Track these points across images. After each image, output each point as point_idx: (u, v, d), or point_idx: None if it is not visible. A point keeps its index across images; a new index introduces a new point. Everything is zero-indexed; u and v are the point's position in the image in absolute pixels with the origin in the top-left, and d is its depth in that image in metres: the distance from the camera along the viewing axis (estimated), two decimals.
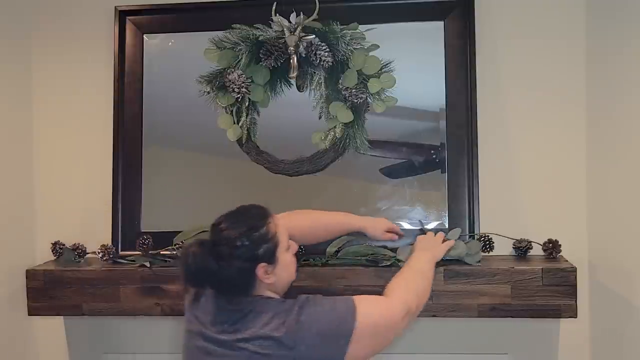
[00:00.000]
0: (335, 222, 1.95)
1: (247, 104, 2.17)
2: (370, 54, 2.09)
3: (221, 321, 1.54)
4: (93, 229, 2.25)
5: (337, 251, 2.04)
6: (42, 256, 2.28)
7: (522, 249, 2.09)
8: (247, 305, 1.54)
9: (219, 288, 1.56)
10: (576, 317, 1.94)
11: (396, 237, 2.01)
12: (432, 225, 2.12)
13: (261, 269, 1.53)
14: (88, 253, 2.19)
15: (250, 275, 1.53)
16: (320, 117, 2.17)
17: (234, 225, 1.53)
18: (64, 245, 2.18)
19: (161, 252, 2.12)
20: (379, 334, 1.54)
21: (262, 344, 1.47)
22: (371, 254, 2.00)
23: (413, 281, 1.70)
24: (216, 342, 1.53)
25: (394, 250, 2.02)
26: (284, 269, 1.59)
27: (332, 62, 2.10)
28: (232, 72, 2.12)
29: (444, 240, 1.96)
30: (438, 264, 1.89)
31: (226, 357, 1.50)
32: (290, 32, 2.07)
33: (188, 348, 1.61)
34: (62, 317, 2.32)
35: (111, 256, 2.15)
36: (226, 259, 1.50)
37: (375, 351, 1.55)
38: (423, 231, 2.07)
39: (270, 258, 1.55)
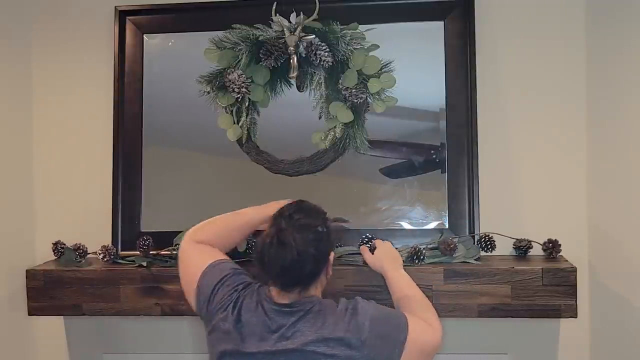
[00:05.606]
0: (245, 222, 1.85)
1: (247, 104, 2.17)
2: (370, 54, 2.09)
3: (278, 326, 1.53)
4: (93, 229, 2.25)
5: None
6: (42, 256, 2.28)
7: (522, 249, 2.10)
8: (303, 305, 1.55)
9: (298, 277, 1.54)
10: (576, 317, 1.94)
11: None
12: (432, 225, 2.13)
13: (332, 256, 1.60)
14: (89, 253, 2.19)
15: (325, 261, 1.58)
16: (320, 117, 2.17)
17: (310, 215, 1.58)
18: (65, 245, 2.18)
19: (161, 253, 2.12)
20: (423, 352, 1.58)
21: (329, 345, 1.49)
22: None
23: (427, 302, 1.74)
24: (269, 353, 1.52)
25: None
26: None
27: (332, 62, 2.10)
28: (232, 72, 2.12)
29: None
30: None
31: None
32: (290, 32, 2.07)
33: None
34: (62, 317, 2.32)
35: (112, 257, 2.15)
36: (313, 244, 1.52)
37: None
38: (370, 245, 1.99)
39: (334, 248, 1.65)
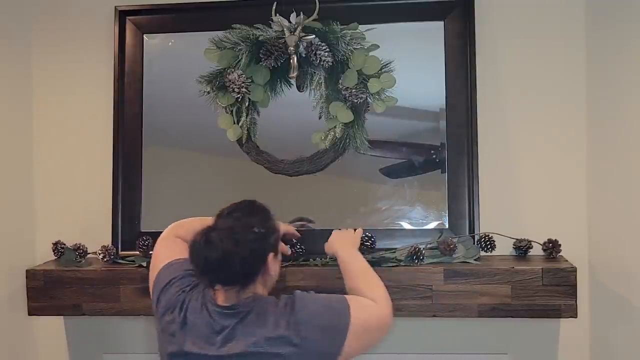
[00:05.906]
0: None
1: (247, 104, 2.17)
2: (370, 54, 2.09)
3: (221, 328, 1.53)
4: (93, 229, 2.25)
5: None
6: (42, 256, 2.28)
7: (522, 249, 2.10)
8: (244, 307, 1.54)
9: (228, 276, 1.52)
10: (576, 317, 1.94)
11: (288, 251, 1.95)
12: (432, 225, 2.13)
13: (271, 257, 1.57)
14: (89, 253, 2.19)
15: (262, 262, 1.55)
16: (320, 117, 2.17)
17: (249, 214, 1.56)
18: (65, 245, 2.18)
19: None
20: (370, 332, 1.58)
21: (272, 344, 1.49)
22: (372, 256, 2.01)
23: (376, 279, 1.71)
24: (215, 357, 1.51)
25: (391, 250, 2.03)
26: (278, 263, 1.65)
27: (332, 62, 2.10)
28: (232, 72, 2.12)
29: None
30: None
31: None
32: (290, 32, 2.07)
33: None
34: (62, 317, 2.32)
35: (111, 257, 2.15)
36: (245, 244, 1.50)
37: (366, 348, 1.59)
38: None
39: (276, 248, 1.61)
